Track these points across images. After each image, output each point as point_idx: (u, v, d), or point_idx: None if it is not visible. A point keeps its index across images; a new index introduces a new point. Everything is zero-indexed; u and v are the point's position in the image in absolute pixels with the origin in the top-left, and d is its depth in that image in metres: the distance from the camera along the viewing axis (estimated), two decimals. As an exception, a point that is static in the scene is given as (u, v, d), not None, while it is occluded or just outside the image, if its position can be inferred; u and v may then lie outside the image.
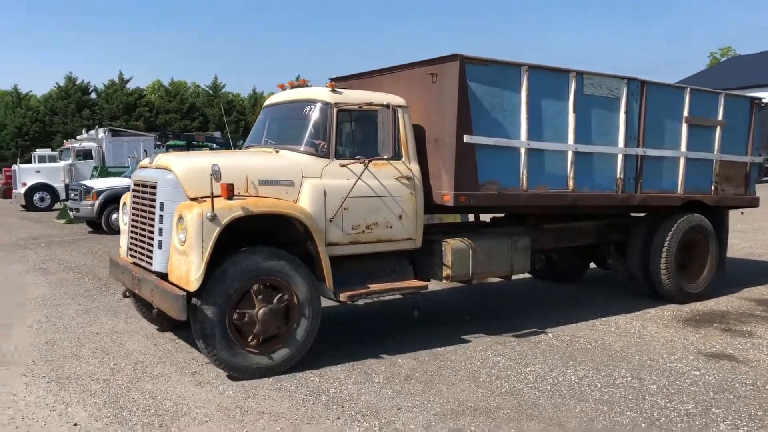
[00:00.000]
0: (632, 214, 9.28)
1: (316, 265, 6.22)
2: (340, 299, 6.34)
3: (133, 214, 6.79)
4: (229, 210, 5.68)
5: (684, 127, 8.68)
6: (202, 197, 5.77)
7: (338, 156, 6.54)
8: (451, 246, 6.93)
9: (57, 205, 25.45)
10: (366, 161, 6.50)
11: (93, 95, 56.04)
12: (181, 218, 5.75)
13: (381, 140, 6.38)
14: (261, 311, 5.85)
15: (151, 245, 6.23)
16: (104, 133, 27.26)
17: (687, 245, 8.90)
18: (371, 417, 5.10)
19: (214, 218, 5.57)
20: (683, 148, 8.71)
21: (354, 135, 6.73)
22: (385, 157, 6.46)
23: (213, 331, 5.69)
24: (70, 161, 26.33)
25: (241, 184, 6.05)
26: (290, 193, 6.27)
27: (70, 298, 9.44)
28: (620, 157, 8.10)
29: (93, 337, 7.36)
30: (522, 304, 9.02)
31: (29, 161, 30.78)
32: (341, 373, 6.12)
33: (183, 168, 6.12)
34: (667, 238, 8.66)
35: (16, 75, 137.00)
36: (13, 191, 26.99)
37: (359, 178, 6.45)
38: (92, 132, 28.76)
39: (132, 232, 6.82)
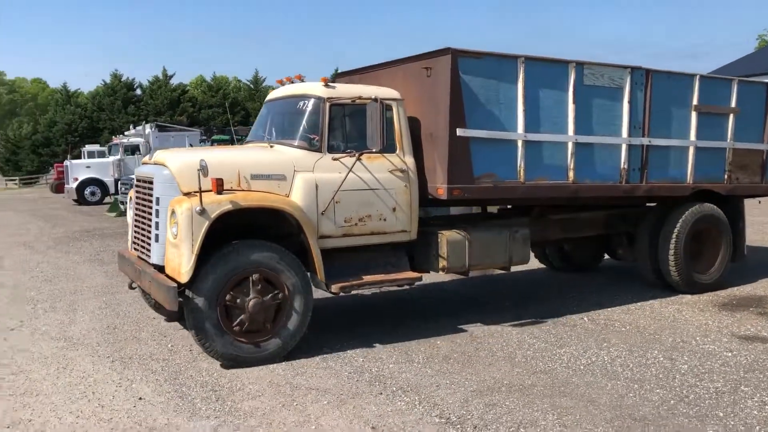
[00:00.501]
0: (645, 204, 9.14)
1: (309, 257, 6.35)
2: (332, 290, 6.48)
3: (135, 209, 7.00)
4: (219, 204, 5.85)
5: (693, 116, 8.53)
6: (195, 192, 5.90)
7: (331, 150, 6.61)
8: (446, 238, 6.99)
9: (107, 199, 26.36)
10: (357, 154, 6.57)
11: (138, 91, 57.39)
12: (173, 212, 5.93)
13: (370, 133, 6.43)
14: (252, 302, 6.00)
15: (150, 238, 6.43)
16: (151, 128, 28.09)
17: (698, 235, 8.80)
18: (412, 393, 5.42)
19: (203, 212, 5.74)
20: (693, 136, 8.55)
21: (347, 129, 6.79)
22: (374, 150, 6.48)
23: (204, 322, 5.89)
24: (118, 156, 27.22)
25: (233, 178, 6.22)
26: (282, 187, 6.38)
27: (126, 286, 9.96)
28: (624, 147, 8.02)
29: (150, 321, 7.85)
30: (557, 292, 9.23)
31: (78, 157, 31.83)
32: (383, 353, 6.46)
33: (177, 164, 6.27)
34: (676, 228, 8.55)
35: (65, 73, 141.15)
36: (66, 186, 28.03)
37: (350, 171, 6.51)
38: (139, 128, 29.62)
39: (135, 226, 7.03)
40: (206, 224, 5.77)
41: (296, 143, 6.73)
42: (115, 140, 30.28)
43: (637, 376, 5.76)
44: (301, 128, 6.79)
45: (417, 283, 7.14)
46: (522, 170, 7.33)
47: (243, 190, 6.23)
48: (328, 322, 7.68)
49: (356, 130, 6.73)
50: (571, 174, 7.66)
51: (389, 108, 6.81)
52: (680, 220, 8.59)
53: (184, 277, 5.79)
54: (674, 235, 8.55)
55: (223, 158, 6.47)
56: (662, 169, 8.43)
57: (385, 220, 6.78)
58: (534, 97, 7.33)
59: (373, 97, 6.51)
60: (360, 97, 6.66)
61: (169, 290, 5.77)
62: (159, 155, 6.73)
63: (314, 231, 6.36)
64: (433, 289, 9.34)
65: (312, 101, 6.76)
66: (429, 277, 9.17)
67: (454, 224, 7.55)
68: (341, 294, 6.66)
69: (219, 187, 5.96)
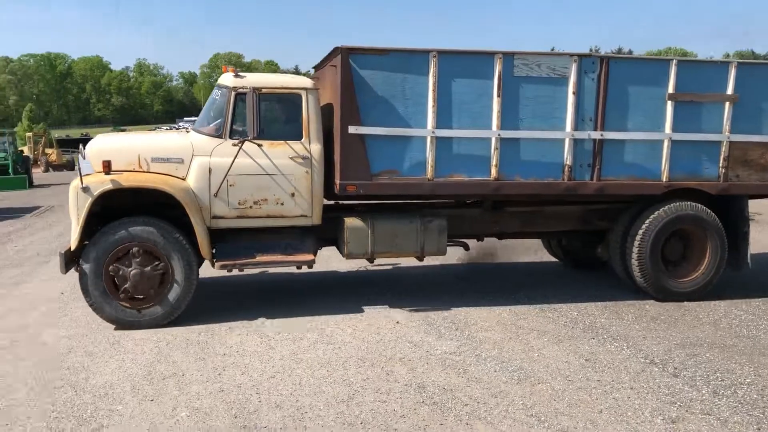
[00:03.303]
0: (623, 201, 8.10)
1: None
2: (215, 267, 6.98)
3: None
4: (101, 183, 6.50)
5: (669, 105, 7.51)
6: (97, 172, 6.67)
7: (233, 136, 6.93)
8: (347, 224, 7.19)
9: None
10: (241, 141, 6.81)
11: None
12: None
13: (249, 121, 6.76)
14: (133, 272, 6.64)
15: None
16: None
17: (678, 238, 7.95)
18: (621, 340, 6.37)
19: (87, 190, 6.47)
20: (668, 129, 7.53)
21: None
22: (249, 137, 6.75)
23: (90, 286, 6.62)
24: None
25: (133, 161, 6.84)
26: (180, 170, 6.88)
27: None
28: (567, 141, 7.35)
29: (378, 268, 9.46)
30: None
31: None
32: (595, 310, 7.43)
33: (90, 147, 6.97)
34: (643, 227, 7.75)
35: (295, 55, 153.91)
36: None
37: (236, 156, 6.80)
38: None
39: None
40: (90, 200, 6.48)
41: (206, 130, 7.14)
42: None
43: (842, 348, 6.18)
44: (212, 115, 7.29)
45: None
46: (431, 167, 7.13)
47: (142, 172, 6.86)
48: (546, 282, 8.80)
49: (258, 118, 6.86)
50: (494, 171, 7.25)
51: (298, 97, 7.06)
52: (649, 219, 7.76)
53: (72, 246, 6.64)
54: (639, 235, 7.77)
55: (126, 143, 7.20)
56: (623, 165, 7.59)
57: (282, 204, 7.05)
58: (448, 92, 7.07)
59: (250, 87, 6.82)
60: (244, 87, 6.91)
61: (60, 255, 6.68)
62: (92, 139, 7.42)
63: (199, 211, 6.81)
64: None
65: (222, 91, 7.16)
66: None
67: (362, 211, 7.64)
68: (234, 272, 7.22)
69: (106, 168, 6.63)
